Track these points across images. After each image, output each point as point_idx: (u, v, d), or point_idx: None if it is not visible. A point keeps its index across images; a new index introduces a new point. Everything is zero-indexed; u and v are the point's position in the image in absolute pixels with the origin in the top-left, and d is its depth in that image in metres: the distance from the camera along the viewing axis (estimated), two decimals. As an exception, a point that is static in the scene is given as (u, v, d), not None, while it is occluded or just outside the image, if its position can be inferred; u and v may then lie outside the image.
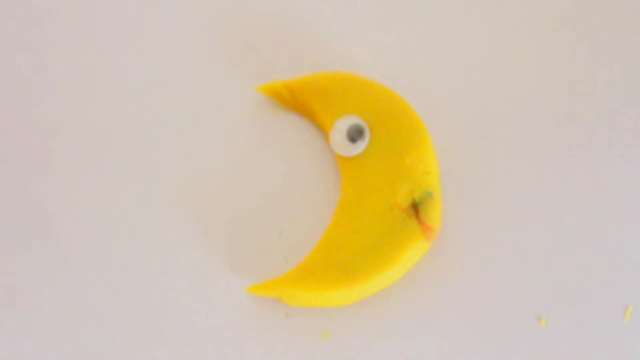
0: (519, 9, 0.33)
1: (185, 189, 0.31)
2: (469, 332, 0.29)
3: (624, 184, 0.30)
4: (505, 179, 0.31)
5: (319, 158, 0.32)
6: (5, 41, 0.34)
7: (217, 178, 0.31)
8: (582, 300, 0.29)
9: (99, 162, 0.32)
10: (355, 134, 0.30)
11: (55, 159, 0.32)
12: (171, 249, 0.30)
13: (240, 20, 0.34)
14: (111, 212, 0.31)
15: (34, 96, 0.33)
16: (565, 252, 0.29)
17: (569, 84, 0.32)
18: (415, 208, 0.29)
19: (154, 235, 0.31)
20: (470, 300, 0.29)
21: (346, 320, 0.29)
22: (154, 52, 0.34)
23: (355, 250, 0.29)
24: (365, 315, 0.29)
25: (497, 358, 0.28)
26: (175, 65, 0.34)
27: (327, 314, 0.29)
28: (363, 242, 0.29)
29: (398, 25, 0.34)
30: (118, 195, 0.31)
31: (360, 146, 0.30)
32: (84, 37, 0.34)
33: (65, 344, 0.29)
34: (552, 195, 0.30)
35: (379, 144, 0.30)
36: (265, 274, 0.30)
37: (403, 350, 0.29)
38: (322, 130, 0.32)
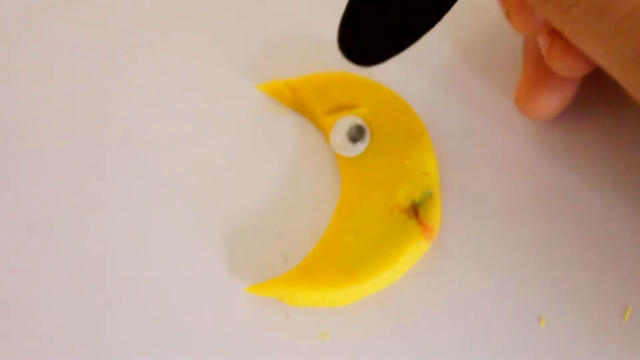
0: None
1: (185, 189, 0.31)
2: (468, 332, 0.29)
3: (624, 183, 0.30)
4: (505, 179, 0.31)
5: (319, 158, 0.32)
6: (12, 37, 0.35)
7: (216, 177, 0.31)
8: (582, 300, 0.29)
9: (97, 161, 0.32)
10: (355, 135, 0.30)
11: (55, 159, 0.32)
12: (170, 249, 0.30)
13: (241, 19, 0.34)
14: (110, 211, 0.31)
15: (34, 94, 0.34)
16: (564, 252, 0.29)
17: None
18: (415, 209, 0.29)
19: (153, 235, 0.31)
20: (470, 301, 0.29)
21: (346, 320, 0.29)
22: (153, 51, 0.34)
23: (355, 250, 0.29)
24: (365, 315, 0.29)
25: (497, 358, 0.28)
26: (176, 64, 0.34)
27: (327, 314, 0.29)
28: (363, 243, 0.29)
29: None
30: (117, 195, 0.31)
31: (361, 147, 0.30)
32: (85, 36, 0.34)
33: (63, 345, 0.29)
34: (552, 195, 0.30)
35: (379, 145, 0.30)
36: (265, 274, 0.30)
37: (403, 350, 0.29)
38: (322, 131, 0.32)
